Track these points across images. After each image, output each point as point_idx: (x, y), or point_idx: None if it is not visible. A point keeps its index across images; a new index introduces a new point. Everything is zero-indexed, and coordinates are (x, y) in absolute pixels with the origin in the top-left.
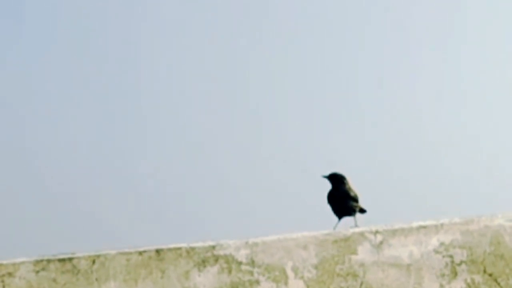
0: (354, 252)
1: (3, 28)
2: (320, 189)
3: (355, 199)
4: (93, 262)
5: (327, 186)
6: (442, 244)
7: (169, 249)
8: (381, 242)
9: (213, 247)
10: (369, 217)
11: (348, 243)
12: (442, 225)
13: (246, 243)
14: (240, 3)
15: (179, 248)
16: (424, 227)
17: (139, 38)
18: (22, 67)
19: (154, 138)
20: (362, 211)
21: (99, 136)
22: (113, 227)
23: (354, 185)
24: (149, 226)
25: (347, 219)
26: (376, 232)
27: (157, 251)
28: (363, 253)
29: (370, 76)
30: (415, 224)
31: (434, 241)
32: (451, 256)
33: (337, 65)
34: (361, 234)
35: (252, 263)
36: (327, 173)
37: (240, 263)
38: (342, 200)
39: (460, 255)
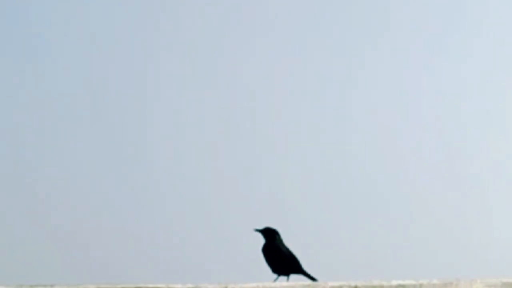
0: None
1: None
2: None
3: (286, 256)
4: None
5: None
6: None
7: None
8: None
9: None
10: (349, 271)
11: None
12: (421, 285)
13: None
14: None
15: None
16: (403, 286)
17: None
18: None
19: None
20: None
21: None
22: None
23: (287, 240)
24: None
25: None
26: (355, 287)
27: None
28: None
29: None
30: (394, 282)
31: None
32: None
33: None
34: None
35: None
36: (261, 227)
37: None
38: (274, 256)
39: None
